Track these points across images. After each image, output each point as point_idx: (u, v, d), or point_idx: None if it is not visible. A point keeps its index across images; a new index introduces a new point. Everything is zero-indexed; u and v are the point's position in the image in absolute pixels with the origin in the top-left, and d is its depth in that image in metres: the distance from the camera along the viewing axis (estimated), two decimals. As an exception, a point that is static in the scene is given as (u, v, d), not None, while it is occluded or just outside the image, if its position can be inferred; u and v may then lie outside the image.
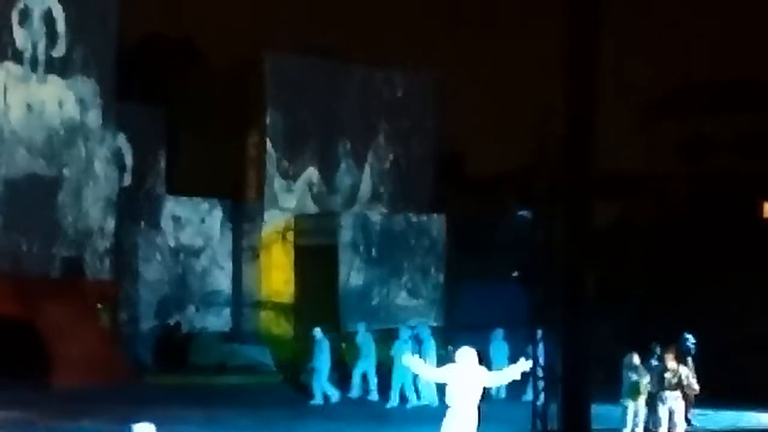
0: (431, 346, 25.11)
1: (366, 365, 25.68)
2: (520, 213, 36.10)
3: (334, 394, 25.17)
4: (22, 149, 29.93)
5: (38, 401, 23.74)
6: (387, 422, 19.23)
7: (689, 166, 42.12)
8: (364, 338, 25.96)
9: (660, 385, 19.11)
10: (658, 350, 20.85)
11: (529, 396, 20.97)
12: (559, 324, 14.58)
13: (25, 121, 29.95)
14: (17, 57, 29.77)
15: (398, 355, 24.89)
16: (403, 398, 24.84)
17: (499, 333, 27.34)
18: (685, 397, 19.57)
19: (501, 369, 26.36)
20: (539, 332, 16.90)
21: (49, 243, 30.28)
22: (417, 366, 16.22)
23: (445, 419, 15.79)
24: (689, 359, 20.74)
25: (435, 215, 35.98)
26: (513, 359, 26.85)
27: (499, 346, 26.96)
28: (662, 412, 19.08)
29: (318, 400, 25.07)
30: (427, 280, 35.08)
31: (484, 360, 26.54)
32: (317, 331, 25.68)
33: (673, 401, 19.11)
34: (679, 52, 44.99)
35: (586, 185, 14.40)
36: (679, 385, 19.06)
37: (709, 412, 22.24)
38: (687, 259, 34.16)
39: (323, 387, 25.17)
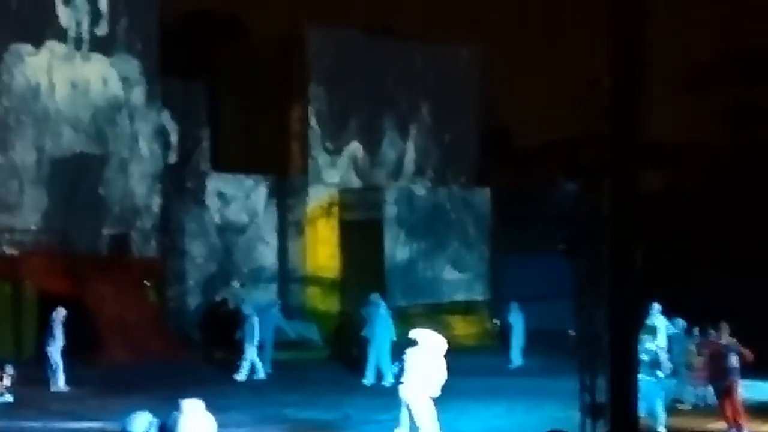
0: None
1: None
2: (566, 185, 35.93)
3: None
4: (68, 127, 30.11)
5: (88, 378, 23.94)
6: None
7: (736, 135, 41.67)
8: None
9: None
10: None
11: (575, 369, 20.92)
12: (606, 296, 14.45)
13: (69, 100, 30.13)
14: (61, 36, 29.92)
15: (378, 327, 24.60)
16: (380, 373, 24.29)
17: (515, 306, 27.59)
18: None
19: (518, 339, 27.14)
20: (585, 305, 16.77)
21: (95, 221, 30.49)
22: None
23: (402, 407, 16.22)
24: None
25: (480, 188, 35.89)
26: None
27: (517, 318, 27.32)
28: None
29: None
30: (473, 253, 35.02)
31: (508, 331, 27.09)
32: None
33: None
34: (726, 20, 44.46)
35: (632, 157, 14.25)
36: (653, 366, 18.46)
37: (758, 384, 22.04)
38: (734, 230, 33.83)
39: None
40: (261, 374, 25.07)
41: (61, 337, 23.40)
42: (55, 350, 23.26)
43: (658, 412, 18.39)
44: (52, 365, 23.16)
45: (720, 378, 18.51)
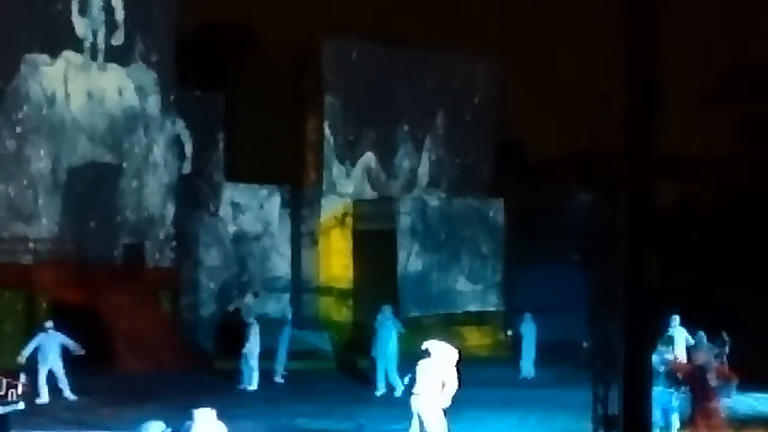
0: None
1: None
2: (580, 197, 35.92)
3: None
4: (84, 137, 30.21)
5: (101, 387, 23.98)
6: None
7: (752, 148, 41.59)
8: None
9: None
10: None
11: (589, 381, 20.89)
12: (620, 308, 14.43)
13: (85, 110, 30.22)
14: (78, 46, 30.03)
15: (384, 337, 24.41)
16: (390, 385, 24.04)
17: (528, 317, 27.53)
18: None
19: (530, 350, 27.10)
20: (599, 317, 16.75)
21: (110, 230, 30.55)
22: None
23: (413, 418, 16.34)
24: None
25: (494, 199, 35.86)
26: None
27: (529, 329, 27.27)
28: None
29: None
30: (486, 264, 34.98)
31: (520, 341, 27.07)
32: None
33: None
34: (741, 33, 44.43)
35: (647, 169, 14.25)
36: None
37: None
38: (748, 243, 33.76)
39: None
40: (254, 382, 25.03)
41: (54, 351, 22.91)
42: (43, 364, 22.76)
43: (672, 423, 18.33)
44: (39, 377, 22.52)
45: (696, 399, 16.90)
